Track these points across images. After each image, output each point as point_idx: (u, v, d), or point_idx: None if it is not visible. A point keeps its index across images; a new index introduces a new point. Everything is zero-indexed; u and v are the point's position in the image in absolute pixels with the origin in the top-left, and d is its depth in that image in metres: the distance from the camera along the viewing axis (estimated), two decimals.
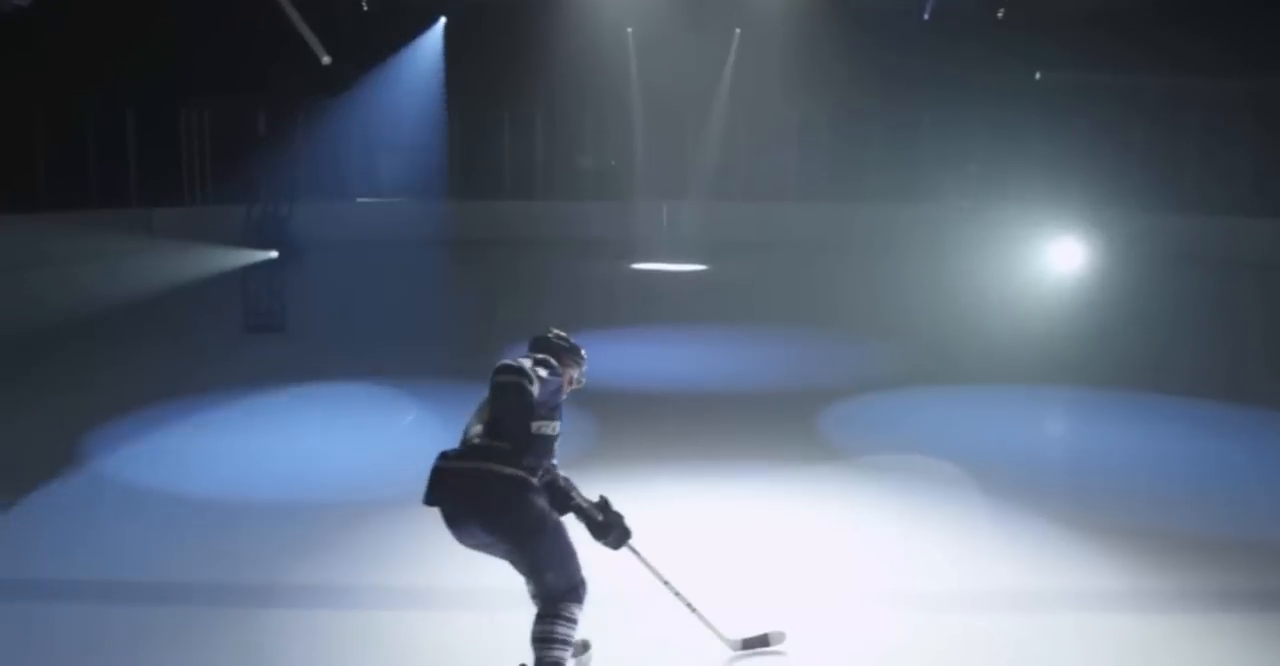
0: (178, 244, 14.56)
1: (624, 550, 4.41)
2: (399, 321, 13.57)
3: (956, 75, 20.64)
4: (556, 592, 4.15)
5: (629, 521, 4.40)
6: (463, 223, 22.52)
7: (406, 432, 8.66)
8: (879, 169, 22.94)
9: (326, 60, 11.99)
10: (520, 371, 4.11)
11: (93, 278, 16.04)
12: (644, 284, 17.88)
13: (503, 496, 4.03)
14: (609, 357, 11.64)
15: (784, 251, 20.47)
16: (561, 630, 4.11)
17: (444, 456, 4.13)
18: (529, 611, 4.29)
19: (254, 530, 6.42)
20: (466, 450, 4.11)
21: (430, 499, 4.10)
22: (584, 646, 4.56)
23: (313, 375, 10.57)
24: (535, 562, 4.14)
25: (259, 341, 12.39)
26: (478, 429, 4.15)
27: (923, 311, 14.16)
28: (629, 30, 22.46)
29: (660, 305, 14.96)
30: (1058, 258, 12.35)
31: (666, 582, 4.63)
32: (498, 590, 5.46)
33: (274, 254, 12.25)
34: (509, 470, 4.05)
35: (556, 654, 4.09)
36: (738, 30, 22.58)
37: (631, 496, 7.03)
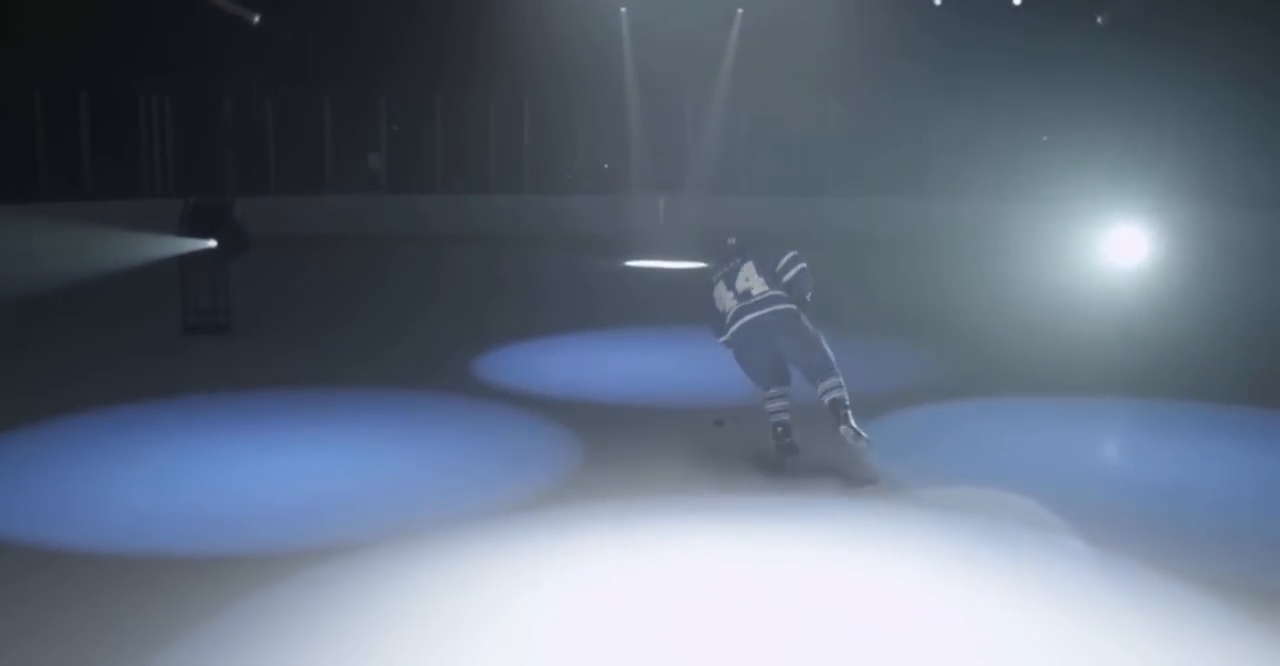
0: (118, 234, 12.90)
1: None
2: (363, 323, 11.92)
3: (975, 58, 19.15)
4: (833, 365, 6.47)
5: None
6: (445, 217, 21.17)
7: (345, 457, 6.99)
8: (891, 161, 21.50)
9: (256, 19, 10.43)
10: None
11: (20, 272, 14.31)
12: (639, 282, 16.29)
13: (800, 320, 6.56)
14: (599, 364, 10.19)
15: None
16: (842, 379, 6.47)
17: (749, 310, 6.59)
18: None
19: (97, 605, 4.74)
20: (766, 300, 6.60)
21: (751, 332, 6.58)
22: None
23: (252, 385, 8.95)
24: (823, 353, 6.52)
25: (197, 344, 10.76)
26: (761, 289, 6.63)
27: (961, 312, 12.45)
28: (622, 10, 21.01)
29: (657, 305, 13.30)
30: (1117, 251, 10.66)
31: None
32: None
33: (211, 243, 10.58)
34: (795, 306, 6.59)
35: (846, 391, 6.44)
36: (740, 10, 21.08)
37: (624, 541, 5.51)
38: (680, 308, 11.87)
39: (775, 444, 6.61)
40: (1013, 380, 9.16)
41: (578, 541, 5.42)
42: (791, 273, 6.71)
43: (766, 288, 6.64)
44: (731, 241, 7.01)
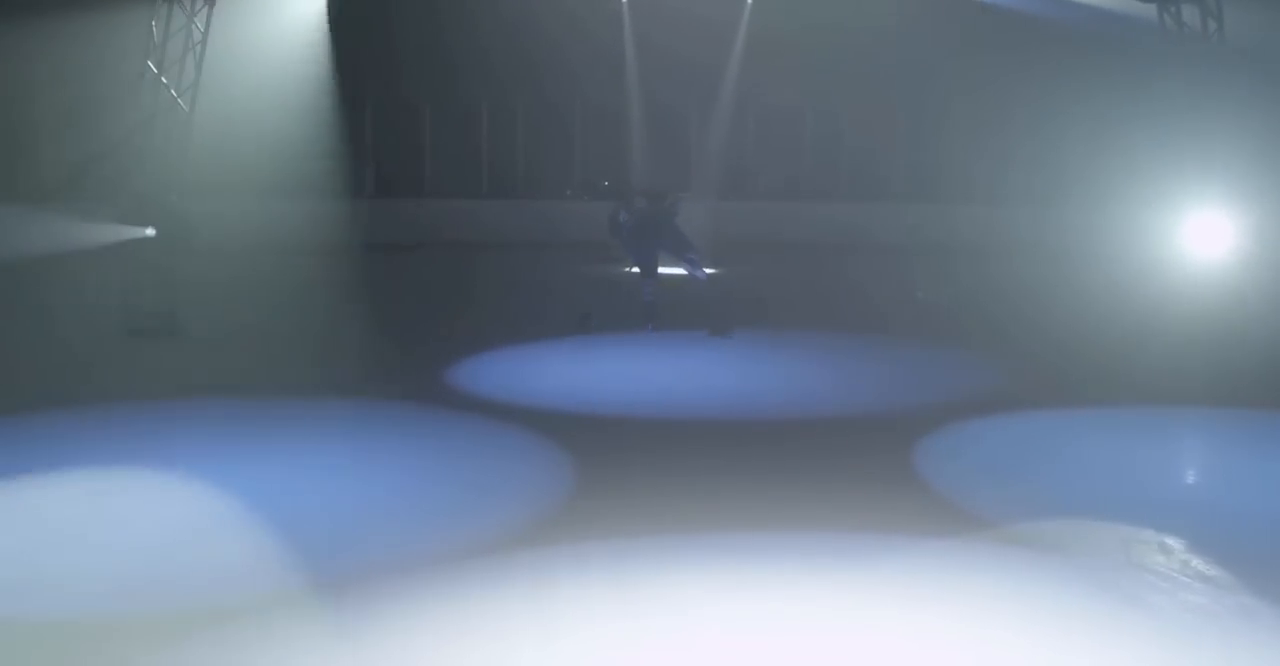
0: (48, 220, 11.53)
1: None
2: (333, 329, 10.53)
3: (998, 57, 17.90)
4: (698, 259, 10.32)
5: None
6: (437, 224, 19.90)
7: (279, 483, 5.63)
8: (907, 163, 20.27)
9: None
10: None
11: None
12: (638, 289, 14.92)
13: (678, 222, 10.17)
14: (597, 376, 8.80)
15: (801, 254, 17.57)
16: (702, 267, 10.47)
17: (647, 212, 10.16)
18: None
19: None
20: (659, 209, 10.09)
21: (646, 222, 10.01)
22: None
23: (185, 396, 7.62)
24: (691, 247, 10.17)
25: (137, 347, 9.43)
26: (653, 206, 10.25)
27: (1008, 317, 11.15)
28: (624, 1, 19.86)
29: (660, 314, 11.96)
30: (1196, 242, 9.27)
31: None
32: None
33: (149, 231, 9.26)
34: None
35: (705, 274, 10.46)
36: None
37: (620, 597, 4.16)
38: (684, 317, 10.60)
39: (645, 314, 10.05)
40: (1093, 388, 7.86)
41: (561, 598, 4.07)
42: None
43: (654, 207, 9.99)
44: (605, 184, 10.34)
